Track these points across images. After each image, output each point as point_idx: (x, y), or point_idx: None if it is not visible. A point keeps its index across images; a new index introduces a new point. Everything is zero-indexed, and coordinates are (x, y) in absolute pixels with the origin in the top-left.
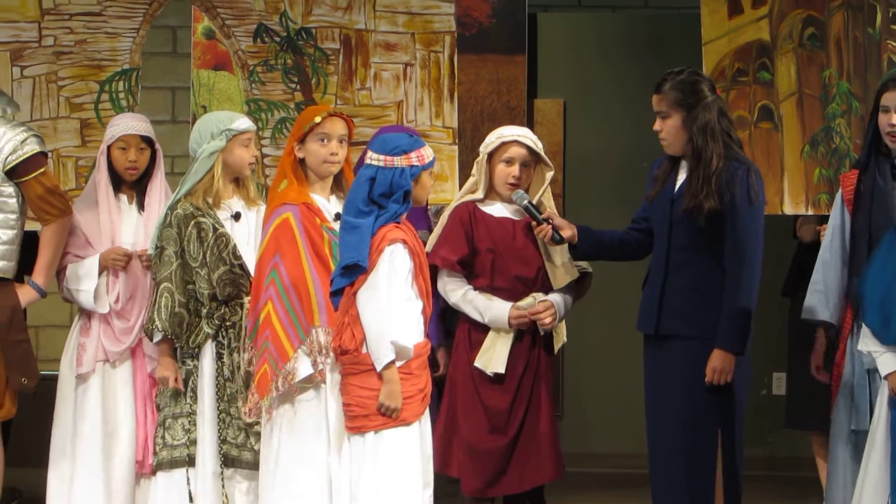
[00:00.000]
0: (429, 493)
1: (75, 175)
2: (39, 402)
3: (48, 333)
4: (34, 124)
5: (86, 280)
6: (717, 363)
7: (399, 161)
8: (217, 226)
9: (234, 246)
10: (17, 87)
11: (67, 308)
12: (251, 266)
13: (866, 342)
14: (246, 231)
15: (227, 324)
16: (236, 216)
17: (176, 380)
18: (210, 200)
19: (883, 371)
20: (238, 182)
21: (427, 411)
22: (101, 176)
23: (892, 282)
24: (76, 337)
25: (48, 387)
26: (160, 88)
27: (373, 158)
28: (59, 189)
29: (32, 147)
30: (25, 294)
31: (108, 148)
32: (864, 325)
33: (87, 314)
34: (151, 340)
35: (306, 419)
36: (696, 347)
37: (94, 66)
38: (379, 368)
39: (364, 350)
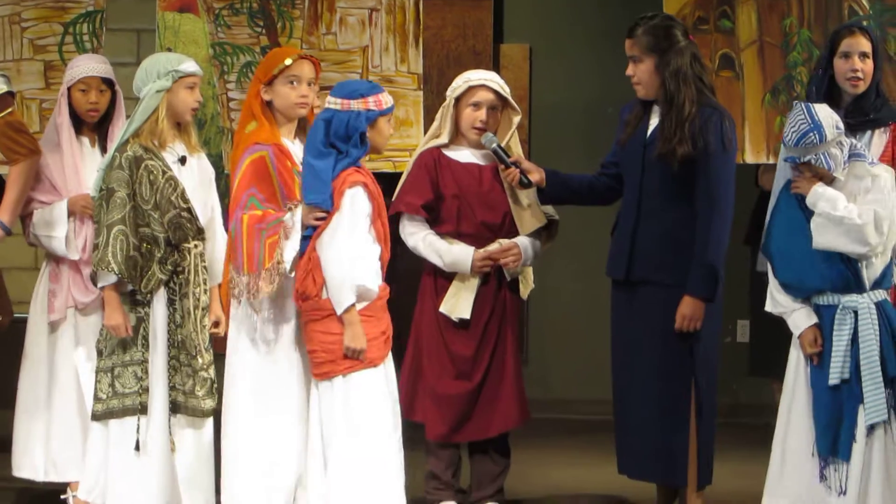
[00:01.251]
0: (398, 436)
1: (39, 118)
2: (4, 345)
3: (13, 275)
4: None
5: (57, 227)
6: (687, 310)
7: (355, 104)
8: (165, 169)
9: (183, 190)
10: None
11: (33, 251)
12: (199, 211)
13: (775, 302)
14: (190, 177)
15: (178, 269)
16: (182, 160)
17: (126, 329)
18: (156, 142)
19: (795, 330)
20: (180, 127)
21: (391, 354)
22: (63, 119)
23: (797, 237)
24: (45, 283)
25: (14, 330)
26: (125, 31)
27: (331, 102)
28: (26, 128)
29: (1, 87)
30: None
31: (69, 90)
32: (770, 284)
33: (55, 260)
34: (96, 285)
35: (280, 362)
36: (669, 294)
37: (59, 8)
38: (339, 312)
39: (324, 296)
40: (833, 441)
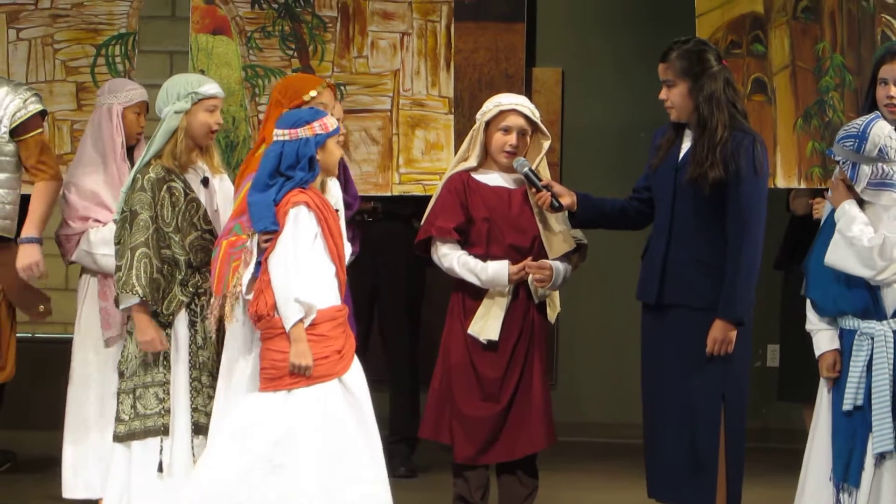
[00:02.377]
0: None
1: (70, 139)
2: (36, 364)
3: None
4: None
5: None
6: (719, 334)
7: (303, 132)
8: (188, 190)
9: (205, 212)
10: (12, 50)
11: (64, 271)
12: (219, 232)
13: (807, 319)
14: (211, 198)
15: (200, 290)
16: (205, 181)
17: (161, 342)
18: (177, 164)
19: (817, 351)
20: (202, 149)
21: (356, 370)
22: (120, 137)
23: None
24: (93, 302)
25: (46, 350)
26: (158, 53)
27: (278, 135)
28: (52, 151)
29: (36, 105)
30: (30, 253)
31: (123, 110)
32: (807, 302)
33: (101, 276)
34: (118, 307)
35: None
36: (700, 318)
37: (91, 30)
38: (287, 328)
39: (276, 314)
40: (846, 466)
